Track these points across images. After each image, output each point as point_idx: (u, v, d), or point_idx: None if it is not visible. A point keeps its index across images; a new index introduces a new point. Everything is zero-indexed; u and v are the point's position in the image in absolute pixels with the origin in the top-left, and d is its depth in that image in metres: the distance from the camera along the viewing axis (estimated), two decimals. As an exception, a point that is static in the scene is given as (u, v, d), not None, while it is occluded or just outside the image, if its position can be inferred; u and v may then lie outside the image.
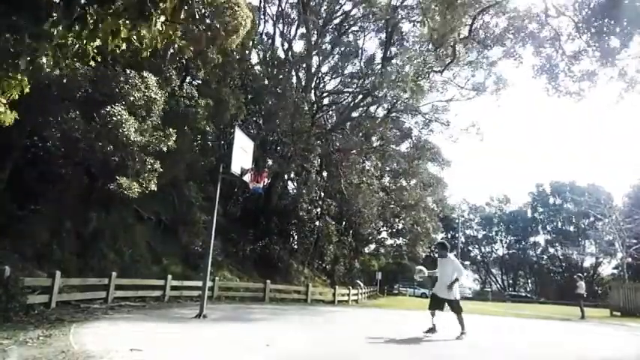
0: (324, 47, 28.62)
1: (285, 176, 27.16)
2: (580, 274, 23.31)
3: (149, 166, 11.88)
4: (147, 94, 11.79)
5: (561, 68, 15.56)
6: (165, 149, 12.23)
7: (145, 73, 11.95)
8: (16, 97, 4.40)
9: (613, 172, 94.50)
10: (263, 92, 23.14)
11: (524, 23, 17.33)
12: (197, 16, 9.44)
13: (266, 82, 24.15)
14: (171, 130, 12.46)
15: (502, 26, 19.32)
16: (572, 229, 58.62)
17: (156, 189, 12.29)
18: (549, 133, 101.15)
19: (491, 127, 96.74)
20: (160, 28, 4.09)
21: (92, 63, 4.31)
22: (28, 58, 3.91)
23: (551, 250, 60.63)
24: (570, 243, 57.19)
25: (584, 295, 19.80)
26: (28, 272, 9.81)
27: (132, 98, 11.36)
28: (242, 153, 10.66)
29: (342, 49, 28.84)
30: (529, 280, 65.84)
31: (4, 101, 4.51)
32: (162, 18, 4.05)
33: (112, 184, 11.33)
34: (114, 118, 10.72)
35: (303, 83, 27.43)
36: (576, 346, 9.45)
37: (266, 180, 19.08)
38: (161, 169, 12.24)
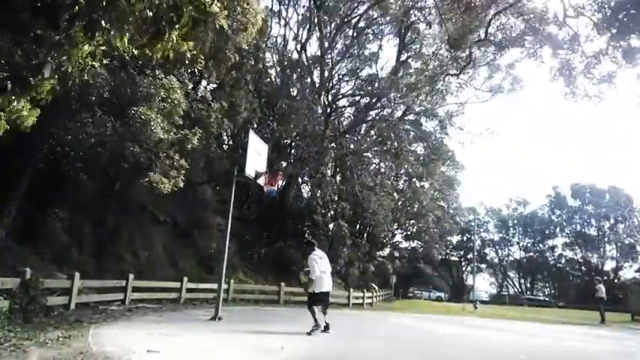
0: (338, 50, 28.60)
1: (300, 179, 27.15)
2: (599, 278, 22.80)
3: (175, 164, 12.04)
4: (170, 96, 11.91)
5: (579, 70, 15.32)
6: (189, 147, 12.37)
7: (169, 76, 12.07)
8: (49, 98, 4.44)
9: (634, 174, 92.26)
10: (277, 95, 23.20)
11: (542, 24, 17.04)
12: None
13: (280, 84, 24.20)
14: (195, 129, 12.61)
15: (519, 27, 19.02)
16: (591, 231, 57.26)
17: (182, 185, 12.44)
18: (566, 135, 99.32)
19: (506, 128, 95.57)
20: (174, 43, 4.17)
21: (112, 67, 4.41)
22: (54, 66, 3.98)
23: (570, 253, 59.31)
24: (590, 246, 55.93)
25: (605, 299, 19.36)
26: (48, 274, 9.97)
27: (158, 99, 11.49)
28: (256, 156, 10.71)
29: (356, 51, 28.77)
30: (547, 284, 64.39)
31: (28, 104, 4.53)
32: (176, 33, 4.12)
33: (144, 180, 11.45)
34: (142, 118, 10.87)
35: (317, 86, 27.42)
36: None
37: (280, 182, 19.11)
38: (187, 166, 12.38)
